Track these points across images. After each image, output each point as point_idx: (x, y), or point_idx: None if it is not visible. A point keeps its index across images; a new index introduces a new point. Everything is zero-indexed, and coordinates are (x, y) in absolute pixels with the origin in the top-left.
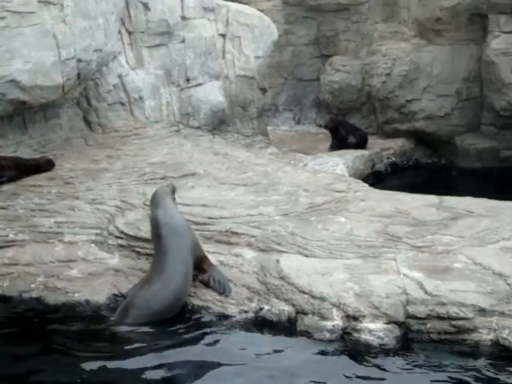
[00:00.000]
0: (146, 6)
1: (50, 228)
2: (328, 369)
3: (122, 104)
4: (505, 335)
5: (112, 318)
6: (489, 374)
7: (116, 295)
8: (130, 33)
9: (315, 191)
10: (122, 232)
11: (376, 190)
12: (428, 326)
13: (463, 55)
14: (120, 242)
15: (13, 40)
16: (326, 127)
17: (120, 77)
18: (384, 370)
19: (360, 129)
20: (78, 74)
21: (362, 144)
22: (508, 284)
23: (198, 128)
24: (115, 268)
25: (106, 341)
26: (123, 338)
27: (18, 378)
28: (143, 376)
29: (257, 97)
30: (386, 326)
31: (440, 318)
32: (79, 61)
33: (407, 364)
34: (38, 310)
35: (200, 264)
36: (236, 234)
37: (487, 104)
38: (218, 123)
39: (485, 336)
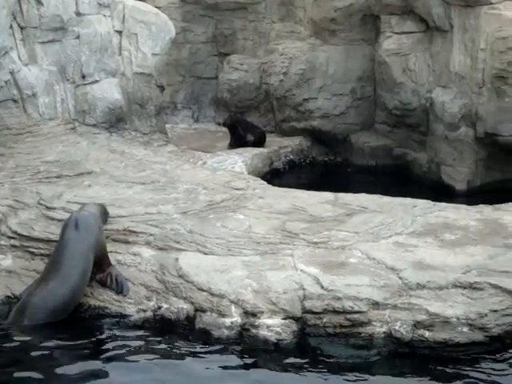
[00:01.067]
0: (39, 1)
1: None
2: (224, 367)
3: (15, 101)
4: (397, 327)
5: (6, 320)
6: (381, 366)
7: (9, 297)
8: (22, 28)
9: (214, 189)
10: (14, 232)
11: (274, 187)
12: (324, 320)
13: (357, 55)
14: (13, 242)
15: None
16: (224, 125)
17: (12, 73)
18: (281, 365)
19: (258, 127)
20: None
21: (260, 142)
22: (400, 278)
23: (94, 126)
24: (8, 269)
25: None
26: (15, 341)
27: None
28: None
29: (155, 94)
30: (283, 321)
31: (336, 312)
32: None
33: (303, 358)
34: None
35: (100, 263)
36: (134, 232)
37: (380, 103)
38: (115, 121)
39: (378, 329)
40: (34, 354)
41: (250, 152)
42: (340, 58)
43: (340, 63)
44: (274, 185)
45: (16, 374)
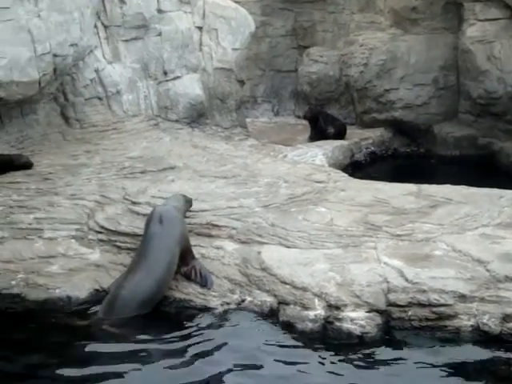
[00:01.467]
0: (122, 0)
1: (30, 224)
2: (311, 359)
3: (100, 98)
4: (485, 320)
5: (97, 313)
6: (469, 360)
7: (97, 290)
8: (105, 27)
9: (295, 182)
10: (102, 227)
11: (355, 179)
12: (409, 313)
13: (439, 44)
14: (100, 236)
15: None
16: (304, 118)
17: (97, 71)
18: (366, 358)
19: (338, 119)
20: (54, 69)
21: (340, 134)
22: (487, 270)
23: (176, 121)
24: (96, 263)
25: (89, 337)
26: (106, 334)
27: None
28: (127, 371)
29: (235, 89)
30: (367, 314)
31: (421, 305)
32: (55, 56)
33: (389, 352)
34: (19, 307)
35: (184, 256)
36: (217, 226)
37: (464, 92)
38: (197, 116)
39: (465, 322)
40: (123, 346)
41: (330, 144)
42: (421, 48)
43: (421, 52)
44: (355, 177)
45: (107, 367)
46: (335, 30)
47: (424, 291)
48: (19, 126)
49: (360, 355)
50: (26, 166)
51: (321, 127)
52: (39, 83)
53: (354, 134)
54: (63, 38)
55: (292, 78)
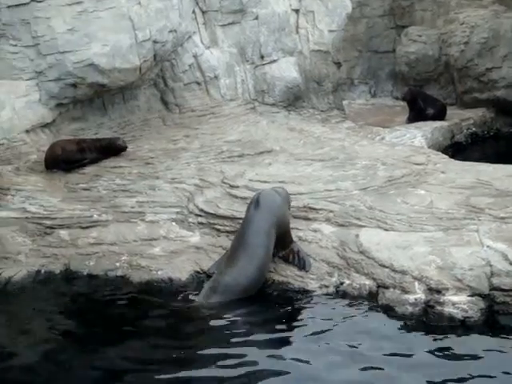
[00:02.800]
0: None
1: (132, 208)
2: (412, 343)
3: (198, 83)
4: None
5: (199, 297)
6: None
7: (198, 272)
8: (203, 12)
9: (393, 164)
10: (201, 210)
11: (456, 161)
12: None
13: None
14: (200, 219)
15: (90, 24)
16: (403, 99)
17: (195, 56)
18: (468, 343)
19: (438, 100)
20: (155, 56)
21: (440, 115)
22: None
23: (273, 105)
24: (196, 245)
25: (193, 319)
26: (210, 316)
27: (101, 354)
28: (229, 353)
29: (331, 71)
30: (469, 298)
31: None
32: (155, 42)
33: (493, 337)
34: (122, 287)
35: (282, 240)
36: (314, 209)
37: None
38: (294, 99)
39: None
40: (224, 329)
41: (429, 126)
42: None
43: None
44: (456, 159)
45: (214, 350)
46: (434, 8)
47: None
48: (121, 111)
49: (462, 340)
50: (122, 148)
51: (420, 108)
52: (140, 69)
53: (455, 114)
54: (163, 25)
55: (390, 58)
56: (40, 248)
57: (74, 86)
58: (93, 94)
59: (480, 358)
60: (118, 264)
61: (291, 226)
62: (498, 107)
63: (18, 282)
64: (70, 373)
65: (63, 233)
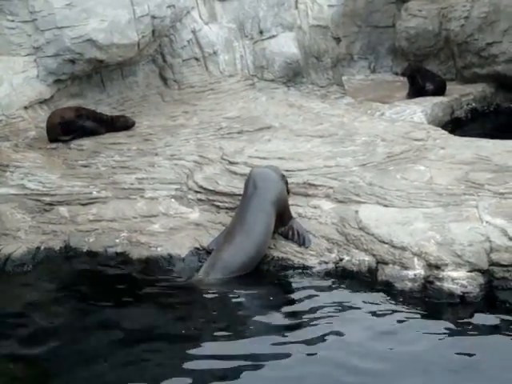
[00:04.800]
0: None
1: (132, 184)
2: (411, 318)
3: (197, 59)
4: None
5: (198, 274)
6: None
7: (197, 249)
8: None
9: (393, 140)
10: (200, 186)
11: (456, 137)
12: None
13: None
14: (199, 196)
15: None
16: (403, 75)
17: (194, 32)
18: (467, 318)
19: (438, 75)
20: (153, 31)
21: (440, 91)
22: None
23: (272, 81)
24: (196, 222)
25: (192, 295)
26: (209, 293)
27: (100, 330)
28: (228, 329)
29: (331, 46)
30: (469, 274)
31: None
32: (153, 17)
33: (491, 312)
34: (122, 264)
35: (282, 216)
36: (313, 185)
37: None
38: (293, 75)
39: None
40: (226, 304)
41: (429, 101)
42: None
43: None
44: (455, 134)
45: (212, 324)
46: None
47: None
48: (119, 88)
49: (461, 315)
50: (129, 126)
51: (419, 84)
52: (138, 45)
53: (455, 89)
54: (161, 0)
55: (389, 33)
56: (39, 225)
57: (72, 61)
58: (91, 70)
59: (477, 331)
60: (117, 240)
61: (291, 202)
62: (498, 82)
63: (17, 258)
64: (74, 348)
65: (62, 209)
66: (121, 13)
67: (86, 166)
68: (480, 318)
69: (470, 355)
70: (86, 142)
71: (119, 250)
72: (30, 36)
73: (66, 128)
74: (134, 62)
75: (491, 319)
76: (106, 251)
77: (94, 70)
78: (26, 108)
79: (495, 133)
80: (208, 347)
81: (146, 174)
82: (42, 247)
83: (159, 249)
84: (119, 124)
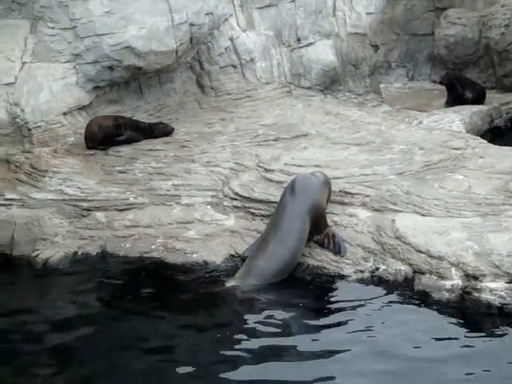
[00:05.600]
0: None
1: (168, 191)
2: (448, 329)
3: (234, 66)
4: None
5: (233, 280)
6: None
7: (233, 255)
8: None
9: (431, 149)
10: (236, 193)
11: (495, 146)
12: None
13: None
14: (235, 203)
15: (127, 7)
16: (441, 83)
17: (231, 39)
18: (506, 330)
19: (477, 83)
20: (191, 38)
21: (479, 99)
22: None
23: (309, 88)
24: (231, 229)
25: (226, 302)
26: (243, 300)
27: (131, 335)
28: (264, 336)
29: (369, 54)
30: (507, 285)
31: None
32: (191, 25)
33: None
34: (158, 270)
35: (317, 224)
36: (350, 193)
37: None
38: (330, 83)
39: None
40: (259, 312)
41: (468, 110)
42: None
43: None
44: (495, 144)
45: (241, 335)
46: None
47: None
48: (157, 94)
49: (499, 326)
50: (168, 132)
51: (458, 92)
52: (176, 52)
53: (494, 98)
54: (199, 7)
55: (428, 41)
56: (77, 230)
57: (111, 68)
58: (129, 77)
59: None
60: (153, 246)
61: (327, 210)
62: None
63: (55, 263)
64: (110, 351)
65: (99, 215)
66: (159, 20)
67: (123, 172)
68: None
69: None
70: (124, 149)
71: (155, 255)
72: (69, 43)
73: (104, 137)
74: (172, 69)
75: None
76: (142, 257)
77: (132, 76)
78: (65, 114)
79: None
80: (241, 353)
81: (183, 181)
82: (80, 252)
83: (194, 255)
84: (157, 131)
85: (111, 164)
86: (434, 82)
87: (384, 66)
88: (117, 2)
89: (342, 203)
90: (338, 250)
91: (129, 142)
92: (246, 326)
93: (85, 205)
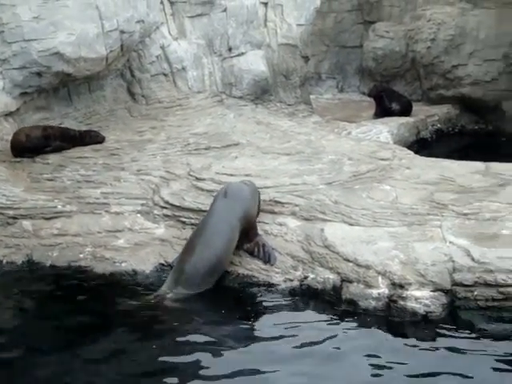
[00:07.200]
0: None
1: (97, 199)
2: (374, 337)
3: (165, 75)
4: None
5: (162, 290)
6: None
7: (162, 264)
8: (171, 3)
9: (359, 159)
10: (167, 202)
11: (421, 157)
12: (475, 293)
13: (510, 18)
14: (165, 212)
15: (56, 12)
16: (369, 95)
17: (162, 48)
18: (430, 338)
19: (404, 96)
20: (122, 46)
21: (406, 111)
22: None
23: (240, 98)
24: (161, 238)
25: (156, 310)
26: (173, 310)
27: (61, 346)
28: (189, 346)
29: (299, 65)
30: (432, 293)
31: (487, 285)
32: (122, 32)
33: (454, 332)
34: (86, 279)
35: (247, 233)
36: (280, 203)
37: None
38: (261, 93)
39: None
40: (186, 321)
41: (395, 121)
42: (492, 22)
43: (492, 27)
44: (421, 155)
45: (175, 338)
46: (402, 4)
47: (491, 271)
48: (87, 102)
49: (423, 335)
50: (99, 141)
51: (386, 104)
52: (106, 59)
53: (420, 110)
54: (130, 15)
55: (357, 53)
56: (2, 238)
57: (39, 74)
58: (58, 84)
59: (439, 351)
60: (81, 255)
61: (257, 219)
62: (463, 104)
63: None
64: (32, 366)
65: (26, 223)
66: (89, 27)
67: (50, 180)
68: (442, 338)
69: (430, 375)
70: (52, 156)
71: (83, 264)
72: None
73: (32, 147)
74: (102, 77)
75: (453, 339)
76: (70, 266)
77: (61, 83)
78: None
79: (460, 154)
80: (172, 364)
81: (112, 189)
82: (5, 261)
83: (123, 264)
84: (88, 139)
85: (38, 171)
86: (363, 93)
87: (314, 77)
88: (45, 8)
89: (272, 212)
90: (267, 258)
91: (58, 150)
92: (174, 337)
93: (11, 213)
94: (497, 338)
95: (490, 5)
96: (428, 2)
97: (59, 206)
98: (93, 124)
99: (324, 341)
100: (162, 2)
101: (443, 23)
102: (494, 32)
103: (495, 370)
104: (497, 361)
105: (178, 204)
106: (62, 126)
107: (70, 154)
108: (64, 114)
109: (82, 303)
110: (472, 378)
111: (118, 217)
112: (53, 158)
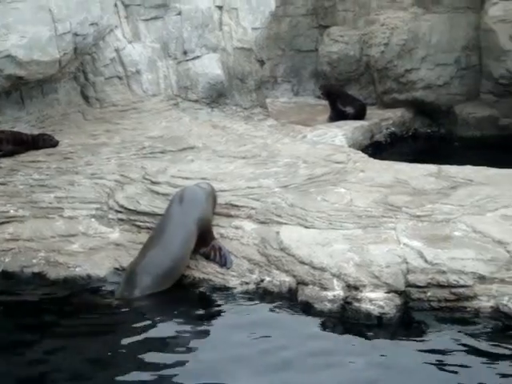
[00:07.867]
0: None
1: (50, 203)
2: (330, 339)
3: (120, 78)
4: (505, 302)
5: (115, 294)
6: (489, 341)
7: (117, 269)
8: (125, 6)
9: (314, 162)
10: (121, 206)
11: (375, 160)
12: (428, 294)
13: (461, 23)
14: (120, 216)
15: (8, 15)
16: (322, 94)
17: (117, 50)
18: (384, 339)
19: (358, 99)
20: (75, 49)
21: (360, 115)
22: (508, 251)
23: (196, 101)
24: (116, 242)
25: (107, 314)
26: (125, 312)
27: (14, 353)
28: (143, 351)
29: (255, 69)
30: (386, 295)
31: (440, 286)
32: (75, 35)
33: (408, 333)
34: (39, 284)
35: (204, 236)
36: (236, 206)
37: (486, 72)
38: (217, 96)
39: (485, 303)
40: (143, 324)
41: (350, 125)
42: (443, 27)
43: (444, 32)
44: (375, 158)
45: (128, 341)
46: (356, 9)
47: (443, 272)
48: (40, 105)
49: (377, 336)
50: (50, 143)
51: (340, 108)
52: (59, 62)
53: (375, 114)
54: (83, 17)
55: (312, 57)
56: None
57: None
58: (10, 87)
59: (394, 352)
60: (34, 260)
61: (213, 222)
62: (416, 108)
63: None
64: None
65: None
66: (42, 29)
67: (3, 184)
68: (395, 339)
69: (381, 377)
70: (4, 160)
71: (36, 270)
72: None
73: None
74: (55, 80)
75: (406, 340)
76: (23, 271)
77: (13, 86)
78: None
79: (413, 157)
80: (128, 370)
81: (66, 193)
82: None
83: (78, 269)
84: (41, 143)
85: None
86: (318, 97)
87: (270, 80)
88: None
89: (228, 216)
90: (223, 262)
91: (10, 155)
92: (125, 340)
93: None
94: (449, 338)
95: (441, 10)
96: (381, 7)
97: (12, 211)
98: (46, 128)
99: (279, 344)
100: (116, 5)
101: (396, 28)
102: (446, 37)
103: (441, 369)
104: (444, 361)
105: (133, 208)
106: (15, 129)
107: (23, 158)
108: (16, 117)
109: (35, 308)
110: (420, 376)
111: (71, 221)
112: (5, 163)
